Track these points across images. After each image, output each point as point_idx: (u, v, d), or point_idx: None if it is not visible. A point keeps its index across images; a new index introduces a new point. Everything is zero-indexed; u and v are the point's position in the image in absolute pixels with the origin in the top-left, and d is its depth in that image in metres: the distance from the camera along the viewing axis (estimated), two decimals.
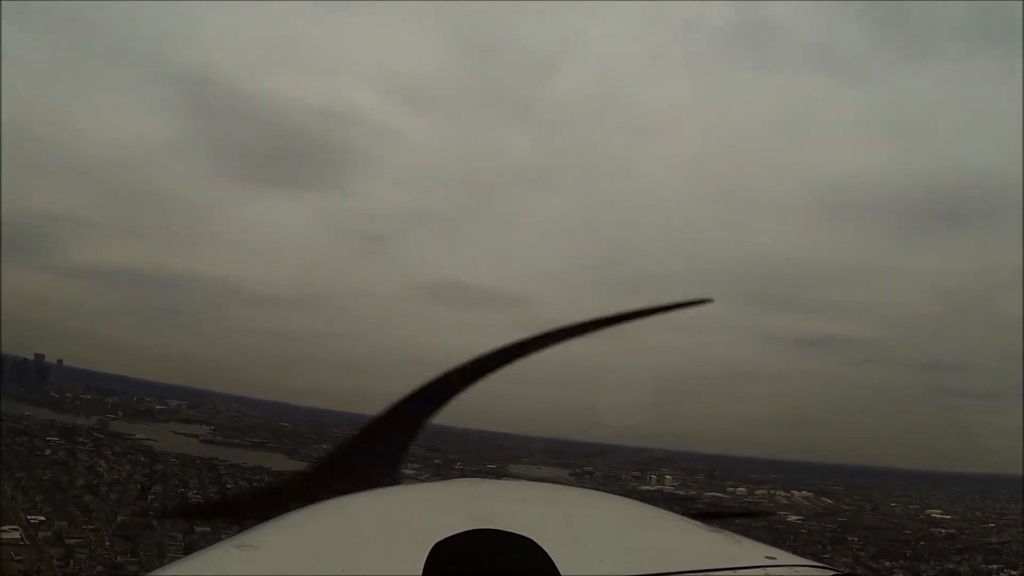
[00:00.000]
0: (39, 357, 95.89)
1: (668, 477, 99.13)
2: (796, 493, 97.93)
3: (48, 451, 60.47)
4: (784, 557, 2.68)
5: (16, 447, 59.30)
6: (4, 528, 43.71)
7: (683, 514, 3.32)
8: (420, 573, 2.16)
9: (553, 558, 2.28)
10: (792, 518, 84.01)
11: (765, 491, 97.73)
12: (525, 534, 2.43)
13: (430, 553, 2.25)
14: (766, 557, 2.63)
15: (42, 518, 47.65)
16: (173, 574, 2.47)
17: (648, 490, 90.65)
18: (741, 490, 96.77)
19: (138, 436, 73.90)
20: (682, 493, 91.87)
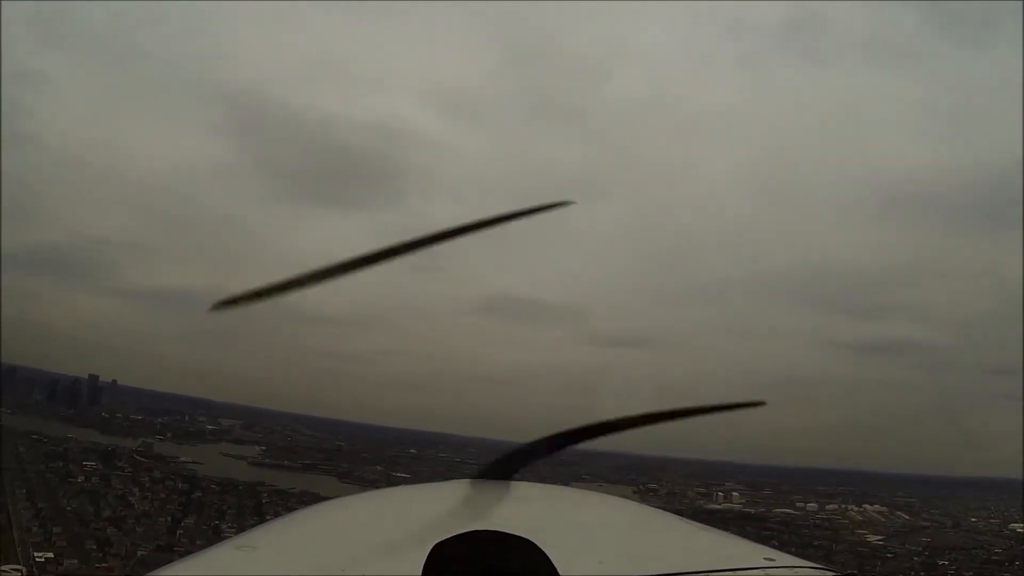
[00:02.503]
0: (93, 377, 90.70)
1: (735, 494, 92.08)
2: (868, 507, 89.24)
3: (81, 478, 54.06)
4: (783, 558, 2.56)
5: (47, 473, 53.28)
6: (4, 568, 36.93)
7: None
8: (420, 574, 2.10)
9: (552, 559, 2.21)
10: (873, 539, 75.87)
11: (836, 505, 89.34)
12: (524, 535, 2.35)
13: (430, 554, 2.18)
14: (765, 559, 2.50)
15: (50, 555, 41.12)
16: (173, 574, 2.42)
17: (717, 509, 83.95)
18: (812, 505, 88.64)
19: (183, 459, 67.40)
20: (751, 511, 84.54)
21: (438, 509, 2.77)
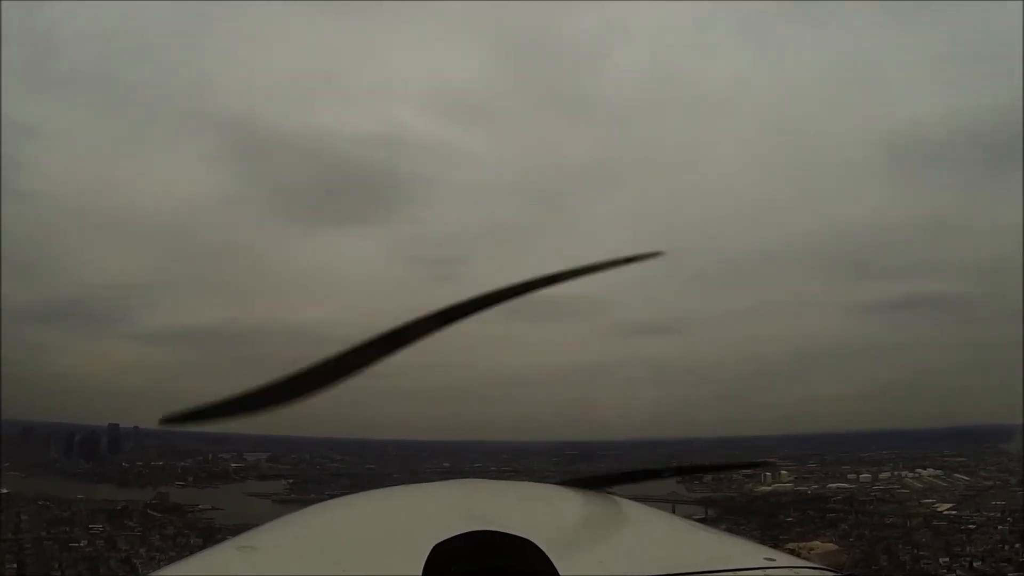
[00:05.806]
0: (113, 426, 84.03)
1: (783, 472, 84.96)
2: (923, 472, 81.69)
3: (84, 542, 47.82)
4: (783, 559, 2.52)
5: (46, 541, 47.13)
6: None
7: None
8: (420, 574, 2.10)
9: (552, 559, 2.19)
10: (943, 508, 68.37)
11: (889, 473, 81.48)
12: (524, 535, 2.33)
13: (430, 554, 2.17)
14: (765, 559, 2.47)
15: None
16: (173, 574, 2.42)
17: (768, 491, 77.01)
18: (865, 476, 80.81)
19: (201, 506, 61.11)
20: (806, 489, 77.26)
21: (438, 509, 2.72)
